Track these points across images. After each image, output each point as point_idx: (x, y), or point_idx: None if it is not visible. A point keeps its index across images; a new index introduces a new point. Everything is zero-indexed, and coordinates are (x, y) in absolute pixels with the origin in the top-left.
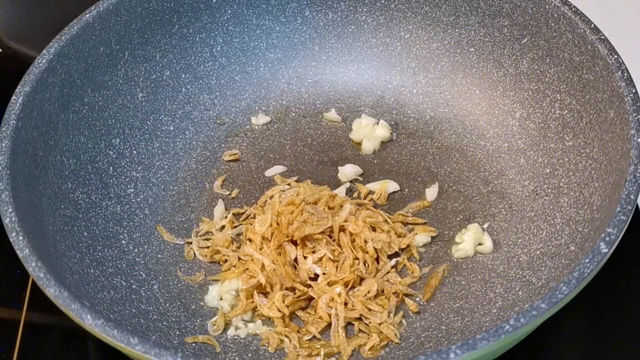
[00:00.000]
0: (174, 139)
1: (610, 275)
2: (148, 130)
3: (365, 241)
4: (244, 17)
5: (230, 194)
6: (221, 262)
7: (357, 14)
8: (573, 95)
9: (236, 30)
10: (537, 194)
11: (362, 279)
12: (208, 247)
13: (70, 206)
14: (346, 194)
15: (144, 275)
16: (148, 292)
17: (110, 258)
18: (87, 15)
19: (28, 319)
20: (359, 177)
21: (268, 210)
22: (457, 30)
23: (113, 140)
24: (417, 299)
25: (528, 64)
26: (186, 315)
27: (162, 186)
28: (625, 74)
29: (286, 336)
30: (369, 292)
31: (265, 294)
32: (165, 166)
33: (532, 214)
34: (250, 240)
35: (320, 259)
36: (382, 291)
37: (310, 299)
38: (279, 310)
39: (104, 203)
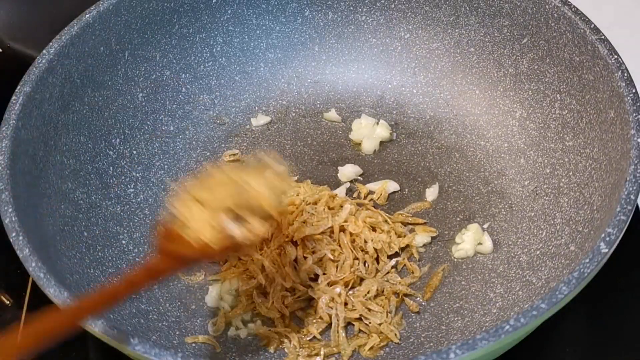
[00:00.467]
0: (174, 139)
1: (610, 275)
2: (148, 130)
3: (365, 241)
4: (244, 17)
5: None
6: (221, 262)
7: (357, 14)
8: (573, 95)
9: (236, 30)
10: (537, 194)
11: (362, 279)
12: None
13: (70, 206)
14: (346, 194)
15: None
16: (148, 292)
17: (110, 258)
18: (87, 15)
19: (28, 319)
20: (359, 177)
21: None
22: (457, 30)
23: (113, 140)
24: (417, 299)
25: (528, 64)
26: (186, 315)
27: (162, 186)
28: (625, 74)
29: (286, 336)
30: (368, 292)
31: (265, 294)
32: (165, 166)
33: (532, 214)
34: None
35: (320, 259)
36: (382, 291)
37: (310, 299)
38: (279, 311)
39: (104, 203)
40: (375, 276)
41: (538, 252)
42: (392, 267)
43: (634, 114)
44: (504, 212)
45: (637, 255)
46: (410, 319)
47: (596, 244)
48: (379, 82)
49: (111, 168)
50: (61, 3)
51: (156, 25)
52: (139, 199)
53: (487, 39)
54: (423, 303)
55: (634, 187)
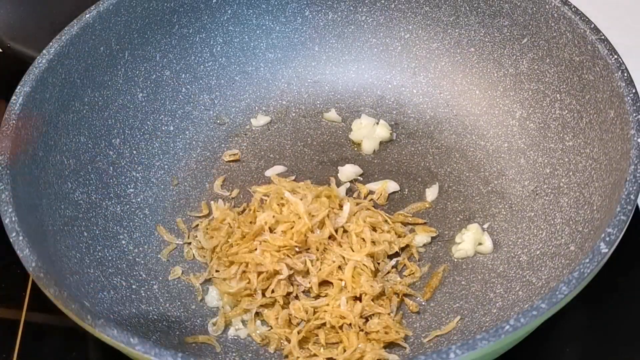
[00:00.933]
0: (174, 139)
1: (610, 275)
2: (148, 130)
3: (365, 241)
4: (244, 17)
5: (230, 194)
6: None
7: (357, 14)
8: (573, 95)
9: (236, 30)
10: (537, 194)
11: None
12: (204, 248)
13: (70, 206)
14: (346, 194)
15: (144, 275)
16: (148, 292)
17: (110, 258)
18: (87, 15)
19: (28, 319)
20: (359, 177)
21: (268, 207)
22: (457, 30)
23: (113, 140)
24: (417, 299)
25: (528, 64)
26: (186, 315)
27: (162, 186)
28: (625, 74)
29: (286, 337)
30: (369, 293)
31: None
32: (165, 166)
33: (532, 214)
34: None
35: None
36: (383, 291)
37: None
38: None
39: (104, 203)
40: (376, 276)
41: (538, 252)
42: (392, 267)
43: (634, 114)
44: (504, 212)
45: (637, 255)
46: (410, 319)
47: (596, 244)
48: (379, 82)
49: (111, 168)
50: (61, 3)
51: (156, 25)
52: (139, 199)
53: (487, 39)
54: (423, 303)
55: (634, 187)
